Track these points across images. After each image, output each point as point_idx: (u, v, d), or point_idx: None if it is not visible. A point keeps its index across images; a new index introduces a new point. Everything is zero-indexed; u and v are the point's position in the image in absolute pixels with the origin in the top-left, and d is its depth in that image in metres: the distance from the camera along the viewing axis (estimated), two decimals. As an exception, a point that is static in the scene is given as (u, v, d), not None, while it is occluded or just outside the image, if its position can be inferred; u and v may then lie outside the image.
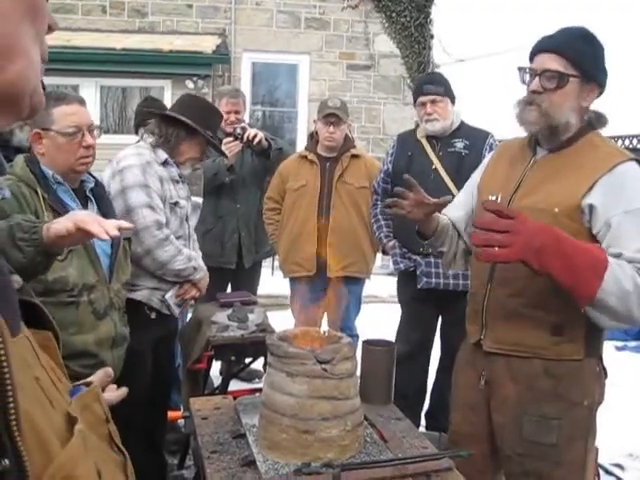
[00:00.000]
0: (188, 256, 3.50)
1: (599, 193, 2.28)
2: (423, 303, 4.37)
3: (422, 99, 4.33)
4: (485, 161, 2.91)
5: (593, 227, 2.31)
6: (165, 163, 3.50)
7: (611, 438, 4.43)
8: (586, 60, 2.38)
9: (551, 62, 2.38)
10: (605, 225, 2.27)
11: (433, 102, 4.30)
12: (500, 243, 2.10)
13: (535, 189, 2.44)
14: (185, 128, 3.53)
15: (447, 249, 2.84)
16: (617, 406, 5.08)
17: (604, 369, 2.50)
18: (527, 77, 2.46)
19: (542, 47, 2.44)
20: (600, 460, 3.81)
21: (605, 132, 2.60)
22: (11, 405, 0.69)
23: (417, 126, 4.59)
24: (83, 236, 2.23)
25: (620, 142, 11.02)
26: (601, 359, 2.49)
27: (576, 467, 2.44)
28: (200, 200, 3.81)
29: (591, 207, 2.29)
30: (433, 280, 4.25)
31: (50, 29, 0.85)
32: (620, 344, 7.36)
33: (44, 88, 0.84)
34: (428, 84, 4.37)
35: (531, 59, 2.48)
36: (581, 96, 2.40)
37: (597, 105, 2.49)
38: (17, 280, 0.89)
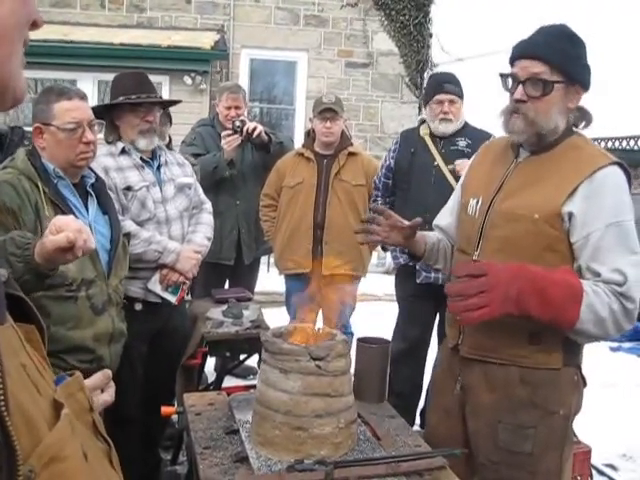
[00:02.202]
0: (146, 239, 3.46)
1: (579, 201, 2.25)
2: (421, 300, 4.38)
3: (441, 97, 4.31)
4: (470, 161, 2.90)
5: (571, 236, 2.27)
6: (123, 152, 3.52)
7: (604, 439, 4.44)
8: (570, 62, 2.30)
9: (534, 68, 2.29)
10: (584, 238, 2.24)
11: (451, 102, 4.31)
12: (478, 305, 2.13)
13: (516, 193, 2.40)
14: (106, 112, 3.55)
15: (442, 265, 2.81)
16: (611, 407, 5.10)
17: (583, 378, 2.46)
18: (510, 83, 2.38)
19: (523, 52, 2.36)
20: (593, 461, 3.84)
21: (599, 134, 2.58)
22: (0, 387, 0.70)
23: (421, 123, 4.58)
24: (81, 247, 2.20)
25: (617, 143, 11.05)
26: (579, 368, 2.44)
27: (552, 476, 2.40)
28: (187, 180, 3.74)
29: (570, 215, 2.25)
30: (432, 275, 4.26)
31: (35, 25, 0.84)
32: (615, 345, 7.38)
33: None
34: (448, 83, 4.36)
35: (512, 64, 2.39)
36: (567, 99, 2.34)
37: (593, 108, 2.45)
38: (2, 273, 0.89)
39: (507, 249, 2.37)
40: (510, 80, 2.38)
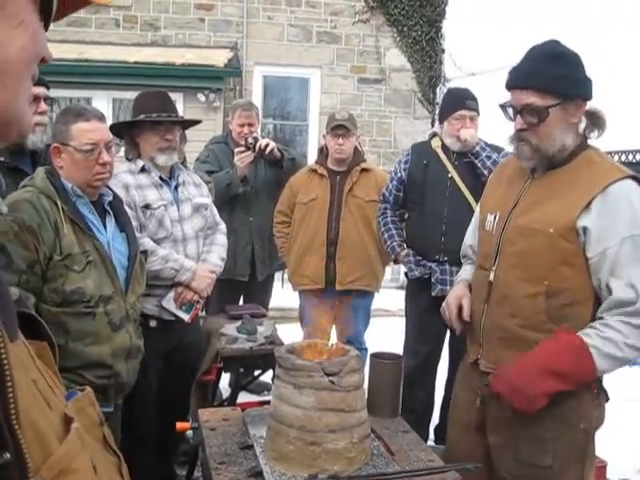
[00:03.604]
0: (164, 257, 3.50)
1: (594, 215, 2.26)
2: (433, 313, 4.36)
3: (463, 113, 4.29)
4: (489, 179, 2.93)
5: (587, 250, 2.28)
6: (143, 170, 3.58)
7: (620, 453, 4.42)
8: (561, 83, 2.30)
9: (526, 99, 2.32)
10: (600, 254, 2.26)
11: (472, 119, 4.31)
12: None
13: (531, 208, 2.42)
14: (127, 129, 3.62)
15: None
16: (627, 422, 5.07)
17: (605, 392, 2.46)
18: (511, 112, 2.41)
19: (513, 83, 2.39)
20: (609, 475, 3.82)
21: (604, 147, 2.57)
22: (11, 402, 0.72)
23: (432, 137, 4.57)
24: None
25: (624, 157, 11.01)
26: (599, 382, 2.43)
27: None
28: (203, 200, 3.79)
29: (585, 229, 2.26)
30: (448, 288, 4.23)
31: (44, 60, 0.85)
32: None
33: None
34: (470, 100, 4.35)
35: (509, 90, 2.43)
36: (568, 116, 2.35)
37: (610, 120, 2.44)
38: (14, 292, 0.91)
39: (523, 264, 2.39)
40: (510, 109, 2.42)
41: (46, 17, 0.85)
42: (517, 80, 2.38)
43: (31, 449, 0.74)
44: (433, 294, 4.29)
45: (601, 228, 2.25)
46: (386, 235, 4.63)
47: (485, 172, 4.17)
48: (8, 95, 0.79)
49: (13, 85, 0.79)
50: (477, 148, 4.24)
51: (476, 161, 4.24)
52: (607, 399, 2.48)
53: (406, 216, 4.66)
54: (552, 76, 2.30)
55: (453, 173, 4.33)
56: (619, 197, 2.26)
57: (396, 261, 4.69)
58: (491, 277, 2.52)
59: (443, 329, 4.42)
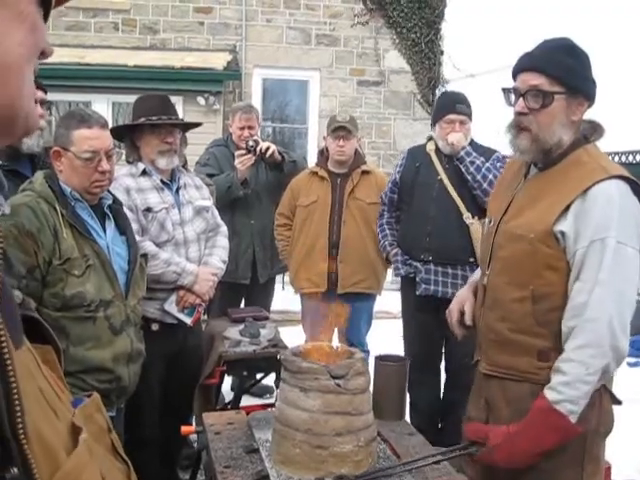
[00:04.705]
0: (165, 260, 3.49)
1: (571, 219, 2.23)
2: (424, 312, 4.35)
3: (452, 117, 4.29)
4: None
5: (567, 254, 2.25)
6: (144, 173, 3.56)
7: (623, 454, 4.40)
8: (570, 74, 2.29)
9: (533, 80, 2.30)
10: (572, 257, 2.23)
11: (462, 123, 4.30)
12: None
13: (519, 212, 2.40)
14: (127, 132, 3.62)
15: None
16: (630, 422, 5.06)
17: (612, 396, 2.41)
18: (512, 98, 2.39)
19: (523, 65, 2.37)
20: (613, 476, 3.80)
21: (605, 149, 2.53)
22: (18, 415, 0.71)
23: (429, 140, 4.58)
24: None
25: (624, 158, 11.00)
26: (603, 387, 2.36)
27: None
28: (204, 203, 3.78)
29: (563, 234, 2.24)
30: (432, 287, 4.26)
31: (44, 54, 0.83)
32: (632, 360, 7.32)
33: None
34: (460, 104, 4.35)
35: (514, 78, 2.40)
36: (569, 111, 2.32)
37: (612, 120, 2.40)
38: (18, 295, 0.90)
39: (510, 269, 2.39)
40: (512, 95, 2.39)
41: (46, 5, 0.82)
42: (528, 63, 2.36)
43: (39, 463, 0.72)
44: (417, 293, 4.31)
45: (575, 231, 2.22)
46: (380, 235, 4.67)
47: (469, 177, 4.20)
48: (11, 90, 0.77)
49: (15, 80, 0.77)
50: (462, 153, 4.24)
51: (460, 166, 4.25)
52: (617, 402, 2.43)
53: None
54: (563, 65, 2.29)
55: (443, 176, 4.33)
56: (596, 199, 2.22)
57: (388, 259, 4.68)
58: (485, 281, 2.54)
59: (438, 328, 4.39)
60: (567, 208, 2.24)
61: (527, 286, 2.32)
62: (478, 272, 2.83)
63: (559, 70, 2.29)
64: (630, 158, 11.15)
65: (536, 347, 2.33)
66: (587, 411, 2.31)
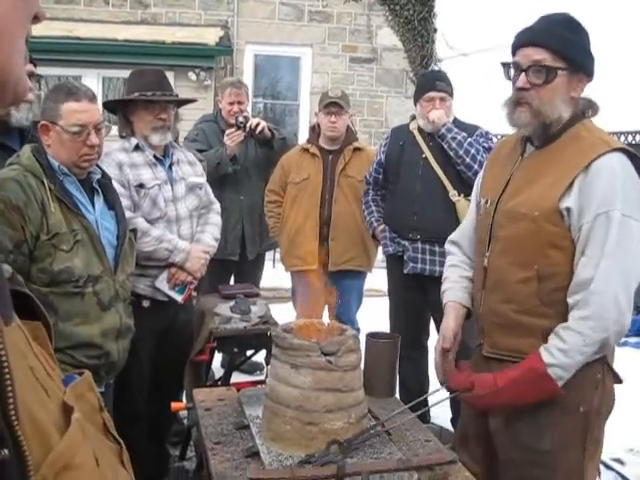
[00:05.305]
0: (157, 237, 3.46)
1: (575, 194, 2.21)
2: (411, 290, 4.36)
3: (432, 94, 4.29)
4: (485, 162, 2.87)
5: (572, 232, 2.23)
6: (137, 148, 3.53)
7: (611, 433, 4.42)
8: (572, 49, 2.26)
9: (536, 55, 2.26)
10: (578, 231, 2.21)
11: (442, 100, 4.29)
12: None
13: (519, 190, 2.37)
14: (121, 106, 3.58)
15: None
16: (618, 402, 5.09)
17: (614, 375, 2.41)
18: (512, 73, 2.35)
19: (525, 40, 2.32)
20: (601, 455, 3.82)
21: (605, 129, 2.50)
22: (10, 395, 0.69)
23: (412, 119, 4.56)
24: None
25: (623, 138, 10.99)
26: (607, 365, 2.38)
27: (573, 474, 2.36)
28: (197, 180, 3.75)
29: (569, 210, 2.22)
30: (419, 265, 4.26)
31: (37, 18, 0.81)
32: (621, 340, 7.37)
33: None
34: (439, 81, 4.35)
35: (514, 53, 2.36)
36: (570, 87, 2.29)
37: (612, 101, 2.38)
38: (7, 269, 0.87)
39: (513, 249, 2.36)
40: (512, 69, 2.35)
41: None
42: (528, 37, 2.32)
43: (30, 444, 0.71)
44: (405, 271, 4.31)
45: (580, 206, 2.20)
46: (366, 212, 4.66)
47: (451, 153, 4.19)
48: (2, 54, 0.75)
49: (7, 45, 0.75)
50: (443, 130, 4.23)
51: (442, 143, 4.23)
52: (619, 381, 2.44)
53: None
54: (566, 40, 2.26)
55: (427, 154, 4.33)
56: (599, 172, 2.20)
57: (374, 236, 4.67)
58: (485, 263, 2.48)
59: (423, 306, 4.41)
60: (571, 184, 2.22)
61: (532, 266, 2.29)
62: (450, 279, 2.74)
63: (562, 45, 2.25)
64: (630, 138, 11.15)
65: (541, 328, 2.30)
66: (590, 391, 2.33)
